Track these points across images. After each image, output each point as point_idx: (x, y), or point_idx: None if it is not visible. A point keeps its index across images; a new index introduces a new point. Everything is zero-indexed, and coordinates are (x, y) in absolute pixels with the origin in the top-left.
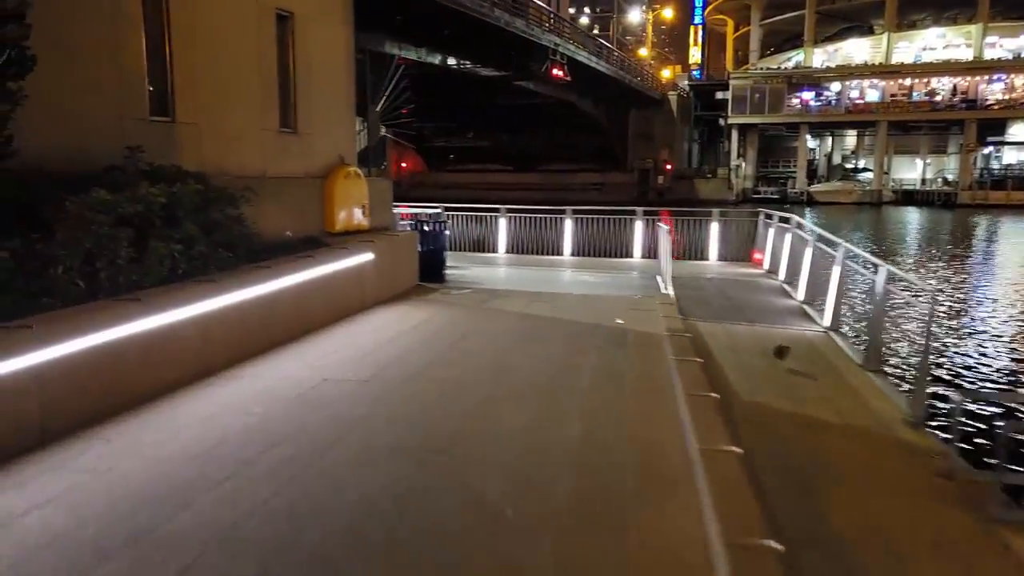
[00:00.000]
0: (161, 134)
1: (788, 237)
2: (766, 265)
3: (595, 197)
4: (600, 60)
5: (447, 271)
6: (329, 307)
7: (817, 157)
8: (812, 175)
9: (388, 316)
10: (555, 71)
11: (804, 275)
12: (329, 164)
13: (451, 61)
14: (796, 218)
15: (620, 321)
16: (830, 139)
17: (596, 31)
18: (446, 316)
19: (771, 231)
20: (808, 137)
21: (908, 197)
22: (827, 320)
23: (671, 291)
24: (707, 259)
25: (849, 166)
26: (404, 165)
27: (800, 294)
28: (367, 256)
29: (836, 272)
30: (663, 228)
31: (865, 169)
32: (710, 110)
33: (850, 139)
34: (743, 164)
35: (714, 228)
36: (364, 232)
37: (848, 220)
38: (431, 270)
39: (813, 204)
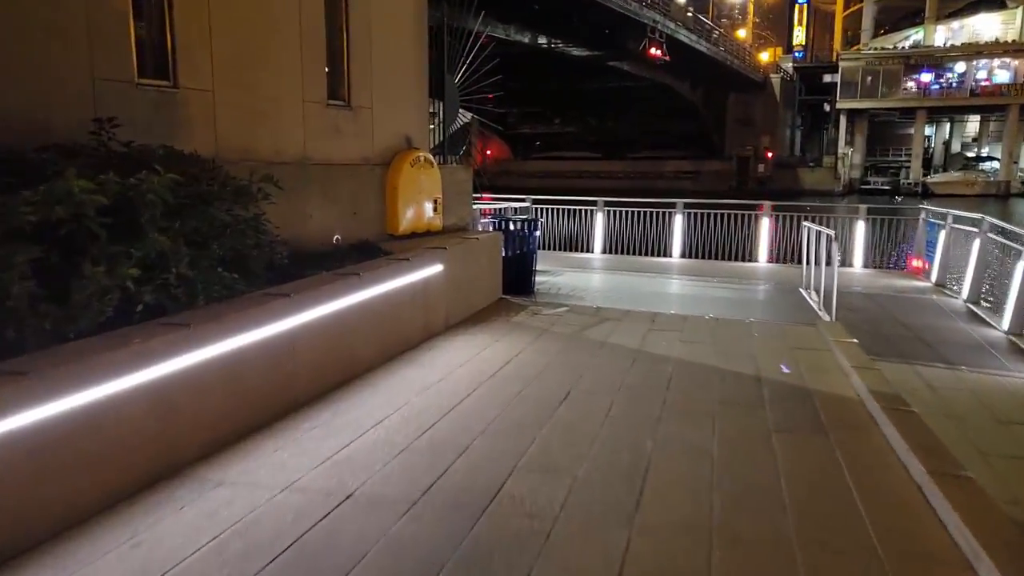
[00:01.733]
0: (154, 103)
1: (976, 244)
2: (933, 277)
3: (688, 186)
4: (701, 39)
5: (536, 278)
6: (380, 342)
7: (932, 145)
8: (927, 165)
9: (460, 354)
10: (653, 50)
11: (1013, 296)
12: (393, 148)
13: (541, 40)
14: (990, 219)
15: (787, 370)
16: (948, 125)
17: (690, 13)
18: (538, 355)
19: (942, 234)
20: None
21: None
22: None
23: (831, 316)
24: (851, 266)
25: (970, 155)
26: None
27: (1006, 322)
28: (435, 268)
29: None
30: (822, 231)
31: (989, 158)
32: (815, 94)
33: (971, 125)
34: (850, 152)
35: (860, 228)
36: (436, 234)
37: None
38: (518, 280)
39: (929, 196)
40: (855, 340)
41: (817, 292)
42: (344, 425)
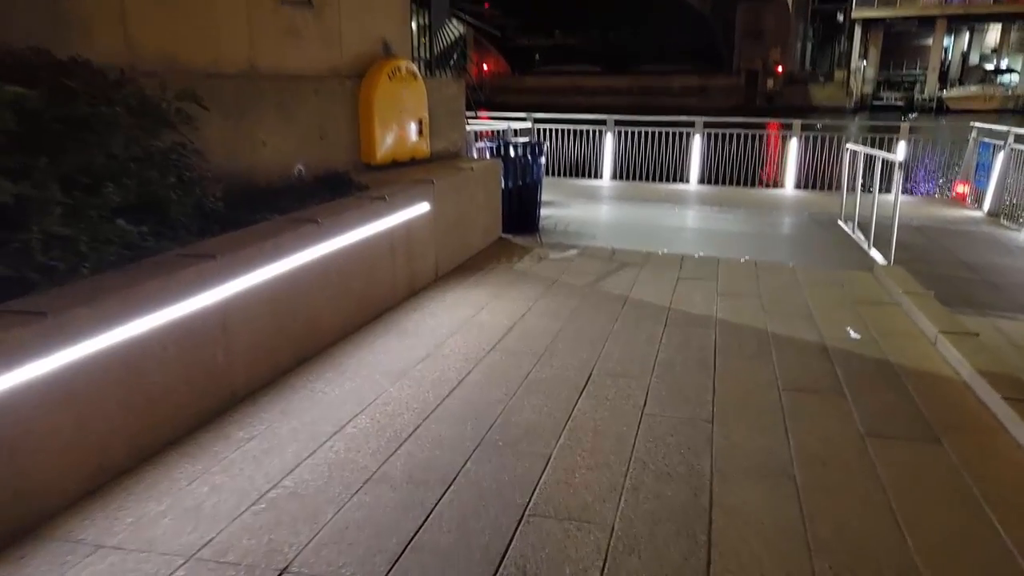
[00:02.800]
0: None
1: None
2: (986, 206)
3: (695, 103)
4: None
5: (540, 211)
6: (350, 307)
7: (949, 57)
8: (942, 79)
9: (451, 317)
10: None
11: None
12: (366, 56)
13: None
14: None
15: (856, 336)
16: (967, 36)
17: None
18: (547, 319)
19: (1000, 156)
20: None
21: None
22: None
23: (887, 258)
24: (888, 192)
25: (989, 67)
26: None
27: None
28: (420, 207)
29: None
30: (884, 156)
31: (1008, 70)
32: (830, 2)
33: (991, 35)
34: (863, 66)
35: (901, 150)
36: (422, 162)
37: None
38: (520, 216)
39: (944, 112)
40: (931, 292)
41: (862, 228)
42: (292, 433)
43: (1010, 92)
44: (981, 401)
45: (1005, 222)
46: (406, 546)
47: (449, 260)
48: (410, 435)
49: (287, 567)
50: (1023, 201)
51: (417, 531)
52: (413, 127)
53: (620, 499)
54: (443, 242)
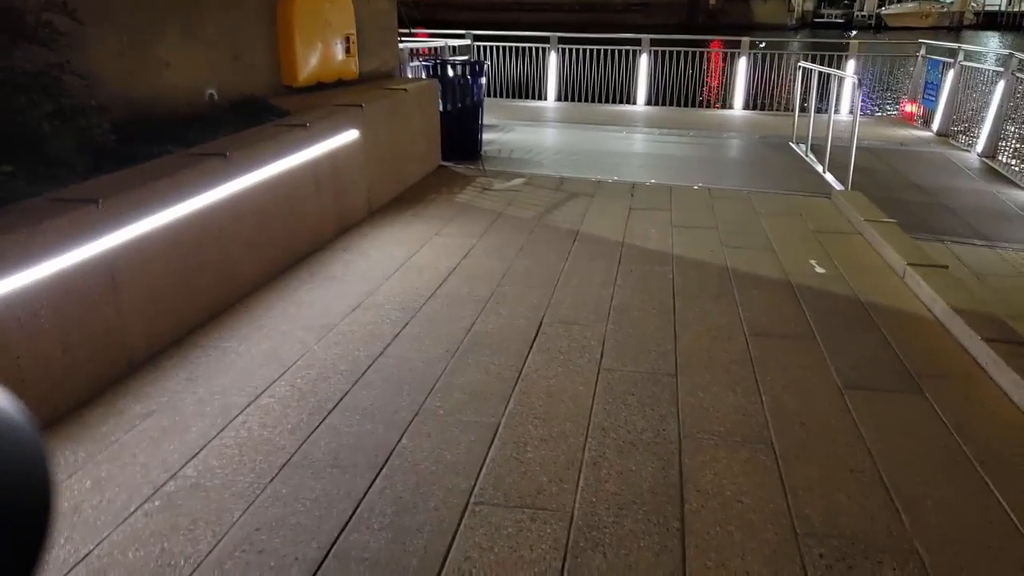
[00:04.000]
0: None
1: (1000, 86)
2: (935, 125)
3: (637, 20)
4: None
5: (484, 136)
6: (269, 250)
7: None
8: None
9: (386, 258)
10: None
11: None
12: None
13: None
14: (1020, 55)
15: (821, 270)
16: None
17: None
18: (492, 258)
19: (950, 74)
20: None
21: (991, 20)
22: None
23: (844, 183)
24: (837, 112)
25: None
26: None
27: None
28: (348, 135)
29: None
30: (840, 75)
31: None
32: None
33: None
34: None
35: (850, 68)
36: (350, 84)
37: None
38: (461, 141)
39: (883, 29)
40: (894, 220)
41: (815, 151)
42: (198, 406)
43: (946, 9)
44: (959, 343)
45: (954, 142)
46: (327, 552)
47: (383, 193)
48: (336, 405)
49: None
50: (973, 120)
51: (342, 531)
52: (339, 45)
53: (579, 478)
54: (375, 173)
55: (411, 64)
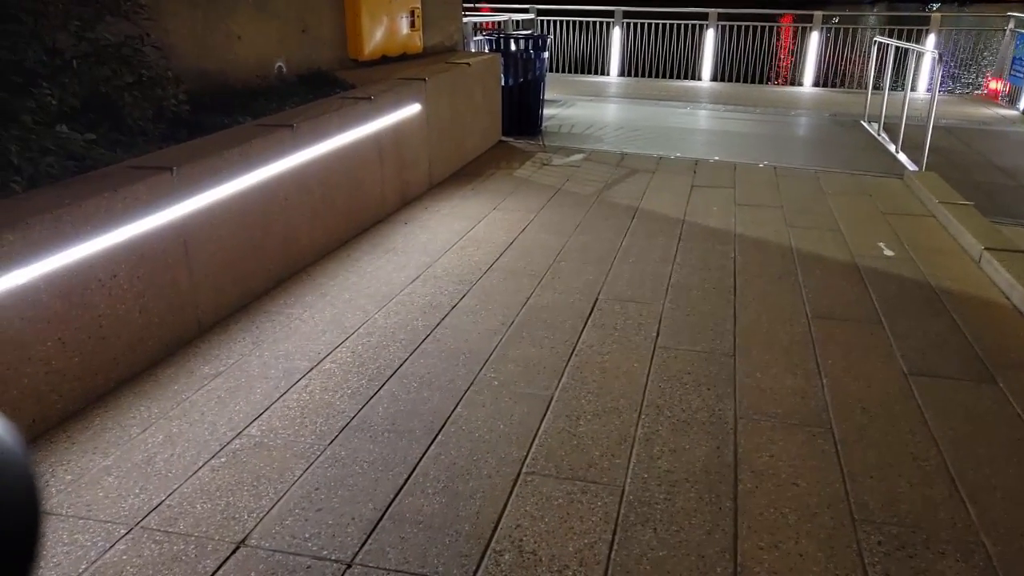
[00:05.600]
0: None
1: None
2: (1022, 103)
3: None
4: None
5: (545, 111)
6: (331, 221)
7: None
8: None
9: (445, 231)
10: None
11: None
12: None
13: None
14: None
15: (890, 253)
16: None
17: None
18: (550, 233)
19: None
20: None
21: None
22: None
23: (918, 163)
24: (915, 89)
25: None
26: None
27: None
28: (411, 108)
29: None
30: (918, 48)
31: None
32: None
33: None
34: None
35: (931, 42)
36: (414, 57)
37: None
38: (521, 116)
39: (969, 2)
40: (970, 203)
41: (888, 129)
42: (263, 369)
43: None
44: None
45: None
46: (384, 513)
47: (444, 167)
48: (395, 372)
49: (244, 540)
50: None
51: (397, 493)
52: (404, 19)
53: (631, 454)
54: (437, 147)
55: (474, 38)
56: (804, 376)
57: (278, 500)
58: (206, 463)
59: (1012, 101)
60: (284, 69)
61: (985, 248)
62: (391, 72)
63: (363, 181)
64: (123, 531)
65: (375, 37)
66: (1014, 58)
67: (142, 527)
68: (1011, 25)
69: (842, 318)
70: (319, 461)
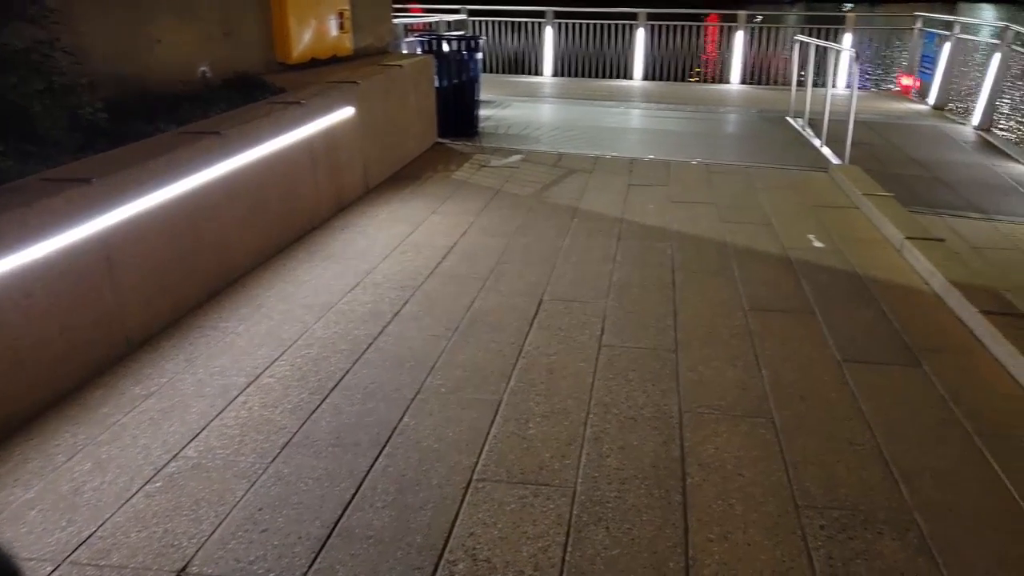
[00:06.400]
0: None
1: (996, 59)
2: (932, 99)
3: None
4: None
5: (480, 112)
6: (265, 230)
7: None
8: None
9: (384, 236)
10: None
11: None
12: None
13: None
14: (1016, 27)
15: (819, 245)
16: None
17: None
18: (490, 236)
19: (946, 47)
20: None
21: None
22: None
23: (841, 156)
24: (834, 86)
25: None
26: None
27: None
28: (344, 112)
29: None
30: (837, 48)
31: None
32: None
33: None
34: None
35: (847, 41)
36: (345, 60)
37: None
38: (457, 118)
39: (879, 2)
40: (891, 194)
41: (813, 125)
42: (198, 387)
43: None
44: (956, 316)
45: (951, 115)
46: (332, 530)
47: (380, 170)
48: (337, 384)
49: (185, 567)
50: (969, 93)
51: (345, 509)
52: (333, 20)
53: (581, 453)
54: (372, 151)
55: (406, 40)
56: (744, 368)
57: (219, 523)
58: (140, 489)
59: (923, 96)
60: (208, 74)
61: (906, 237)
62: (322, 75)
63: (297, 187)
64: (49, 568)
65: (303, 39)
66: (922, 56)
67: (71, 562)
68: (919, 24)
69: (777, 309)
70: (261, 480)
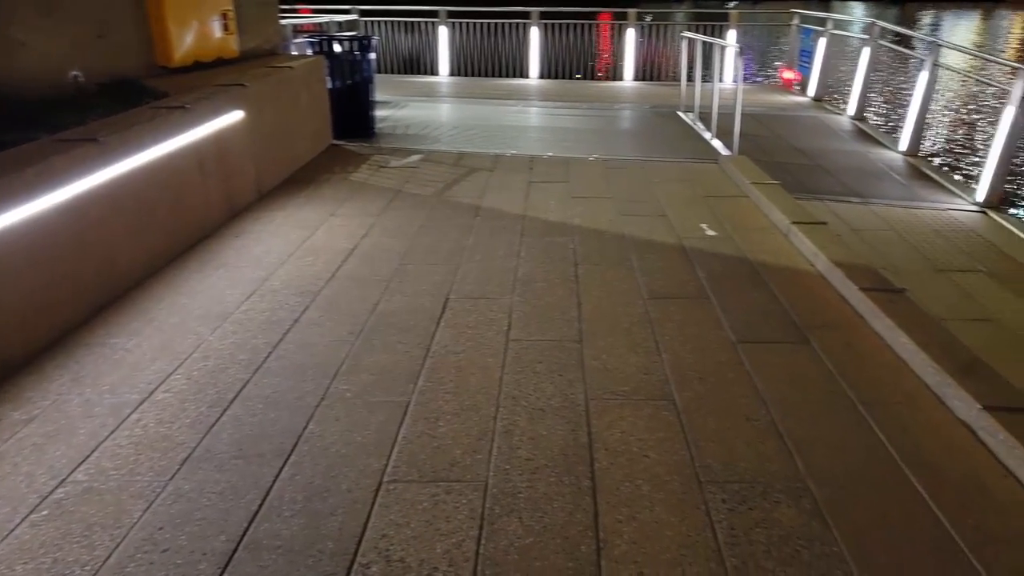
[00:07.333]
0: None
1: (866, 53)
2: (811, 91)
3: None
4: None
5: (376, 113)
6: (152, 239)
7: None
8: None
9: (280, 242)
10: None
11: (913, 113)
12: None
13: None
14: (881, 24)
15: (712, 233)
16: None
17: None
18: (393, 237)
19: (821, 42)
20: None
21: None
22: (983, 191)
23: (730, 148)
24: (721, 80)
25: None
26: None
27: (904, 142)
28: (232, 116)
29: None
30: (721, 43)
31: None
32: None
33: None
34: None
35: (731, 37)
36: (231, 62)
37: None
38: (352, 119)
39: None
40: (777, 182)
41: (703, 118)
42: (86, 407)
43: None
44: (840, 294)
45: (829, 106)
46: (238, 543)
47: (273, 174)
48: (237, 395)
49: None
50: (844, 85)
51: (251, 521)
52: (217, 21)
53: (492, 447)
54: (263, 154)
55: (295, 41)
56: (645, 353)
57: (115, 547)
58: (24, 519)
59: (803, 88)
60: (81, 78)
61: (792, 222)
62: (207, 79)
63: (185, 195)
64: None
65: (185, 42)
66: (801, 50)
67: None
68: (796, 21)
69: (675, 296)
70: (160, 499)
